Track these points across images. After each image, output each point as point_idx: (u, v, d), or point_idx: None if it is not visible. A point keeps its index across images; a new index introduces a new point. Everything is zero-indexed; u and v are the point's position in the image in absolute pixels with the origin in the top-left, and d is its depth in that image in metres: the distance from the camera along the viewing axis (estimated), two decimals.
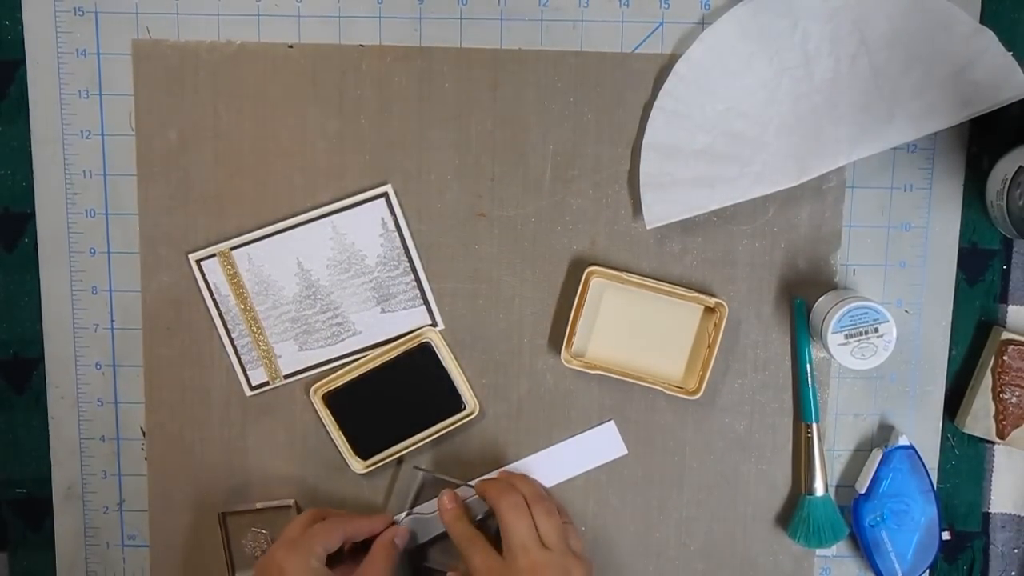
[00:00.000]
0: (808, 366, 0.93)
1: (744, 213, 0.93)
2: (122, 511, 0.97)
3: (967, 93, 0.88)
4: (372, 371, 0.93)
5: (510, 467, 0.95)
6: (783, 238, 0.93)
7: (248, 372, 0.94)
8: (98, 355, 0.95)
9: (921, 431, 0.95)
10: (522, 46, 0.92)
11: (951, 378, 0.95)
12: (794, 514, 0.95)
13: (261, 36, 0.92)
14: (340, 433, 0.94)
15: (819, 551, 0.96)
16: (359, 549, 0.91)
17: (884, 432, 0.95)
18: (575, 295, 0.92)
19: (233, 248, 0.93)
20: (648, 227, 0.91)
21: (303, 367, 0.94)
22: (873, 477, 0.93)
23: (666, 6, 0.91)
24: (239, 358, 0.94)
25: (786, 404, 0.95)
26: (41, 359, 0.95)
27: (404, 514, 0.94)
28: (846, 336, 0.88)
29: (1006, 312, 0.94)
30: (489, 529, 0.90)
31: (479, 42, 0.92)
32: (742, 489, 0.95)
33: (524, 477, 0.93)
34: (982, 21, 0.90)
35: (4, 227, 0.94)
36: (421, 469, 0.95)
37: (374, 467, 0.94)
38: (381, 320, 0.94)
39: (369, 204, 0.92)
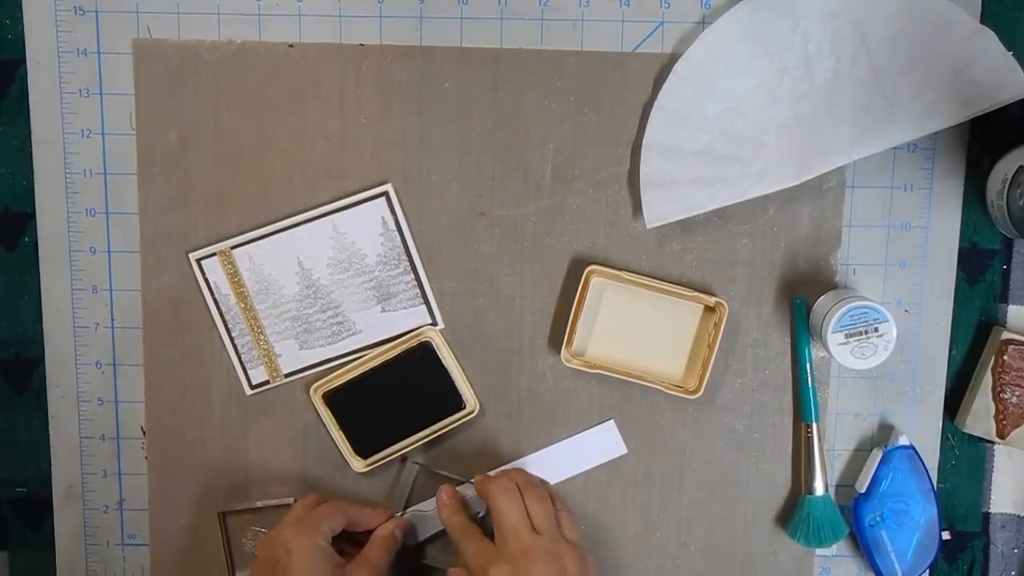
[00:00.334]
0: (808, 366, 0.93)
1: (744, 213, 0.93)
2: (122, 510, 0.97)
3: (967, 93, 0.88)
4: (372, 370, 0.93)
5: (509, 465, 0.95)
6: (783, 238, 0.93)
7: (248, 371, 0.94)
8: (98, 354, 0.95)
9: (921, 431, 0.95)
10: (522, 46, 0.92)
11: (951, 378, 0.95)
12: (794, 514, 0.95)
13: (262, 35, 0.92)
14: (340, 432, 0.94)
15: (819, 551, 0.96)
16: (357, 543, 0.91)
17: (884, 432, 0.95)
18: (575, 294, 0.92)
19: (233, 247, 0.93)
20: (648, 227, 0.91)
21: (303, 366, 0.94)
22: (873, 477, 0.93)
23: (666, 6, 0.91)
24: (239, 357, 0.94)
25: (786, 404, 0.95)
26: (41, 358, 0.95)
27: (400, 513, 0.94)
28: (846, 336, 0.88)
29: (1006, 312, 0.94)
30: (487, 526, 0.90)
31: (480, 42, 0.92)
32: (742, 489, 0.96)
33: (518, 468, 0.94)
34: (982, 21, 0.90)
35: (4, 226, 0.94)
36: (418, 464, 0.95)
37: (374, 466, 0.94)
38: (381, 319, 0.94)
39: (369, 203, 0.92)
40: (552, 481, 0.95)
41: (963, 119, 0.89)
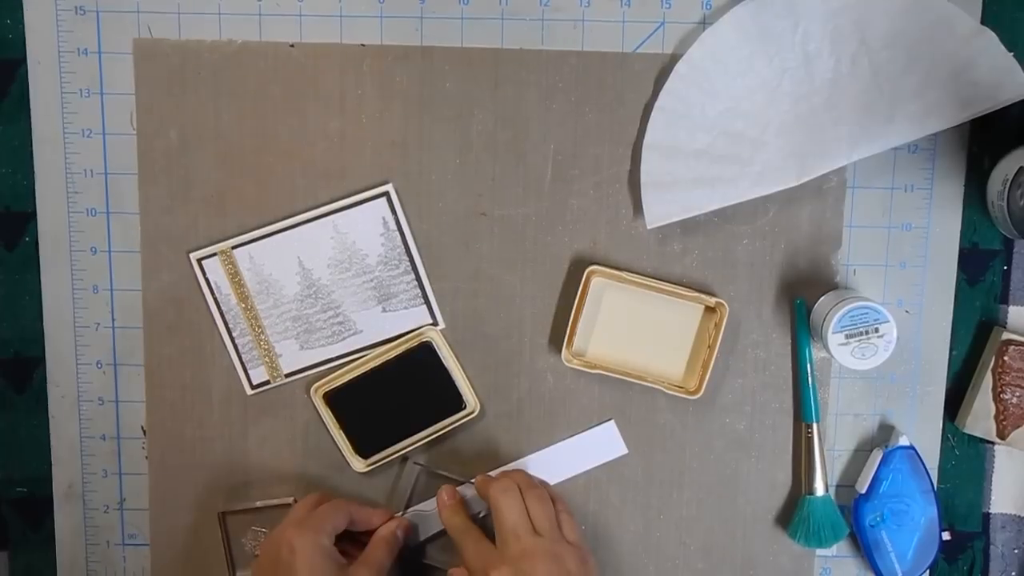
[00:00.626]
0: (808, 366, 0.93)
1: (744, 213, 0.93)
2: (122, 510, 0.97)
3: (968, 93, 0.88)
4: (373, 370, 0.93)
5: (510, 466, 0.95)
6: (784, 238, 0.93)
7: (249, 371, 0.94)
8: (99, 354, 0.95)
9: (921, 431, 0.95)
10: (523, 46, 0.92)
11: (951, 378, 0.95)
12: (794, 514, 0.95)
13: (262, 35, 0.92)
14: (341, 432, 0.94)
15: (819, 551, 0.96)
16: (358, 542, 0.91)
17: (884, 432, 0.95)
18: (576, 294, 0.92)
19: (234, 247, 0.93)
20: (649, 227, 0.91)
21: (304, 366, 0.94)
22: (873, 477, 0.93)
23: (667, 6, 0.91)
24: (240, 357, 0.94)
25: (786, 404, 0.95)
26: (42, 358, 0.95)
27: (401, 513, 0.94)
28: (847, 336, 0.88)
29: (1007, 312, 0.94)
30: (488, 526, 0.90)
31: (480, 42, 0.92)
32: (742, 489, 0.96)
33: (519, 469, 0.94)
34: (982, 21, 0.90)
35: (5, 226, 0.94)
36: (419, 464, 0.95)
37: (375, 466, 0.94)
38: (382, 319, 0.94)
39: (370, 203, 0.92)
40: (552, 481, 0.95)
41: (963, 119, 0.89)
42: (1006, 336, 0.92)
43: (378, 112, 0.92)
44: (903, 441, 0.93)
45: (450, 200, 0.93)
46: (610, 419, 0.95)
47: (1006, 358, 0.92)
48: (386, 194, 0.92)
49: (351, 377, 0.93)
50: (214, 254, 0.93)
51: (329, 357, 0.94)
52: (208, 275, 0.93)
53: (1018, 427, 0.93)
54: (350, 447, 0.94)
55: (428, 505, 0.94)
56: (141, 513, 0.96)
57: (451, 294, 0.94)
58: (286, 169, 0.92)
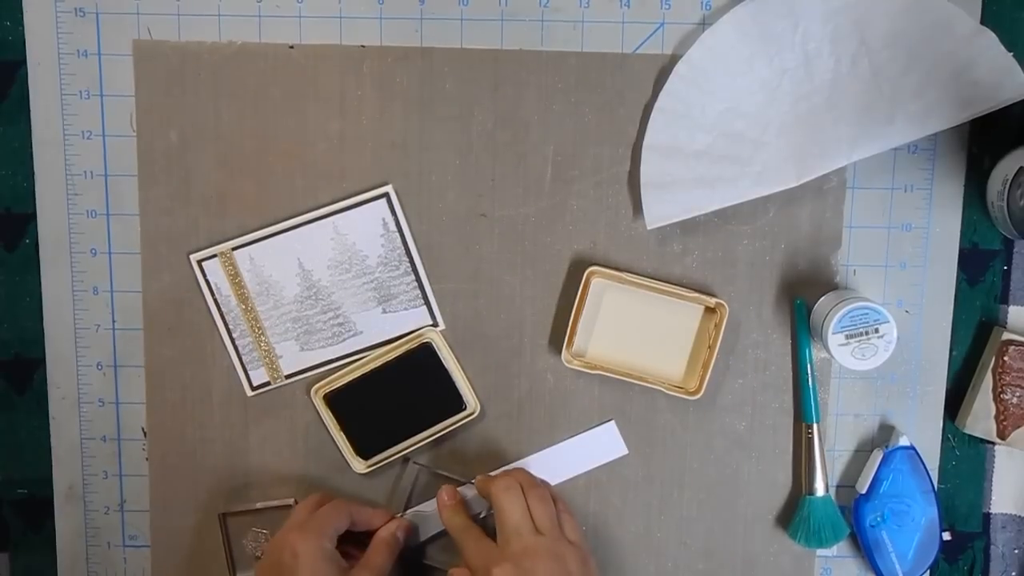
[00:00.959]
0: (808, 366, 0.93)
1: (744, 213, 0.93)
2: (123, 511, 0.97)
3: (968, 93, 0.88)
4: (373, 371, 0.93)
5: (510, 466, 0.95)
6: (783, 238, 0.93)
7: (249, 372, 0.94)
8: (99, 355, 0.95)
9: (921, 431, 0.95)
10: (523, 47, 0.92)
11: (951, 378, 0.95)
12: (795, 514, 0.95)
13: (262, 36, 0.92)
14: (341, 433, 0.94)
15: (819, 551, 0.96)
16: (358, 543, 0.91)
17: (885, 432, 0.95)
18: (575, 295, 0.92)
19: (234, 248, 0.93)
20: (648, 227, 0.91)
21: (304, 367, 0.94)
22: (874, 477, 0.93)
23: (667, 7, 0.91)
24: (240, 358, 0.94)
25: (786, 404, 0.95)
26: (42, 359, 0.95)
27: (401, 513, 0.94)
28: (847, 336, 0.88)
29: (1007, 312, 0.94)
30: (488, 526, 0.90)
31: (480, 43, 0.92)
32: (742, 489, 0.96)
33: (520, 468, 0.94)
34: (982, 21, 0.90)
35: (5, 228, 0.94)
36: (419, 464, 0.95)
37: (375, 467, 0.94)
38: (382, 320, 0.94)
39: (370, 204, 0.92)
40: (553, 482, 0.95)
41: (963, 120, 0.89)
42: (1006, 336, 0.92)
43: (378, 113, 0.92)
44: (903, 441, 0.93)
45: (450, 201, 0.93)
46: (610, 420, 0.95)
47: (1006, 358, 0.92)
48: (386, 195, 0.92)
49: (351, 378, 0.93)
50: (214, 255, 0.93)
51: (329, 358, 0.94)
52: (208, 276, 0.93)
53: (1018, 427, 0.93)
54: (350, 448, 0.94)
55: (428, 506, 0.94)
56: (142, 514, 0.97)
57: (451, 295, 0.94)
58: (286, 170, 0.92)
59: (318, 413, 0.94)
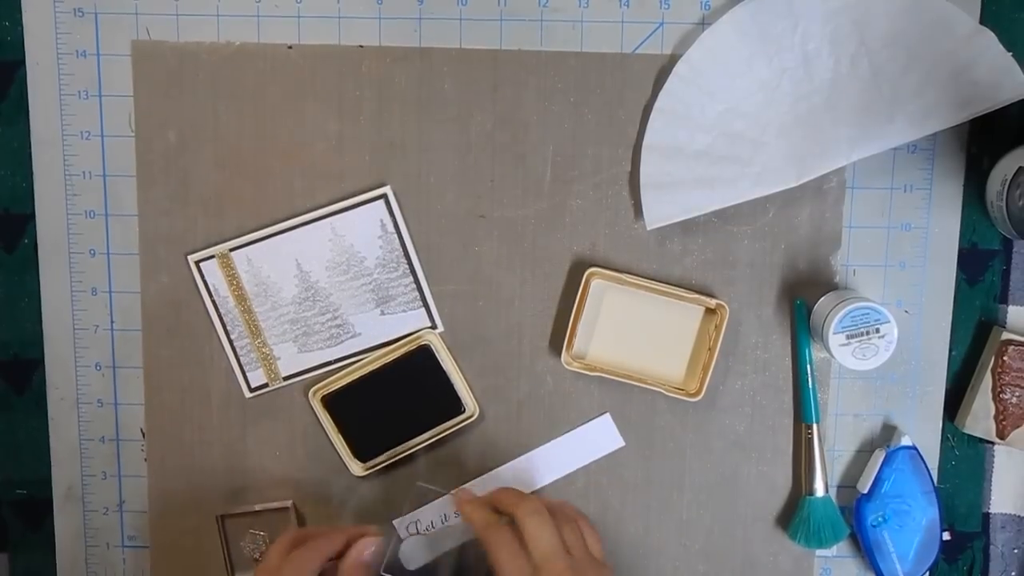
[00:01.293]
0: (808, 367, 0.93)
1: (744, 214, 0.93)
2: (122, 512, 0.97)
3: (967, 93, 0.88)
4: (371, 373, 0.93)
5: (508, 465, 0.95)
6: (783, 239, 0.93)
7: (247, 374, 0.94)
8: (98, 356, 0.95)
9: (921, 431, 0.95)
10: (522, 47, 0.92)
11: (951, 378, 0.95)
12: (794, 515, 0.95)
13: (260, 37, 0.92)
14: (339, 435, 0.94)
15: (819, 552, 0.96)
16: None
17: (886, 433, 0.95)
18: (575, 297, 0.92)
19: (232, 249, 0.93)
20: (648, 228, 0.91)
21: (302, 369, 0.94)
22: (876, 477, 0.93)
23: (666, 7, 0.91)
24: (238, 360, 0.94)
25: (786, 405, 0.95)
26: (41, 360, 0.95)
27: (405, 527, 0.94)
28: (847, 337, 0.88)
29: (1006, 312, 0.94)
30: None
31: (479, 43, 0.92)
32: (742, 490, 0.95)
33: (535, 497, 0.89)
34: (982, 21, 0.90)
35: (4, 228, 0.94)
36: (428, 487, 0.94)
37: (373, 469, 0.94)
38: (380, 322, 0.94)
39: (368, 205, 0.92)
40: (552, 478, 0.95)
41: (963, 119, 0.89)
42: (1005, 336, 0.92)
43: (376, 114, 0.92)
44: (906, 441, 0.93)
45: (449, 202, 0.93)
46: (606, 412, 0.95)
47: (1005, 358, 0.92)
48: (384, 196, 0.92)
49: (349, 380, 0.93)
50: (212, 256, 0.93)
51: (327, 360, 0.94)
52: (206, 278, 0.93)
53: (1018, 427, 0.93)
54: (348, 450, 0.94)
55: (426, 516, 0.94)
56: (141, 515, 0.97)
57: (450, 297, 0.94)
58: (284, 171, 0.92)
59: (316, 415, 0.94)
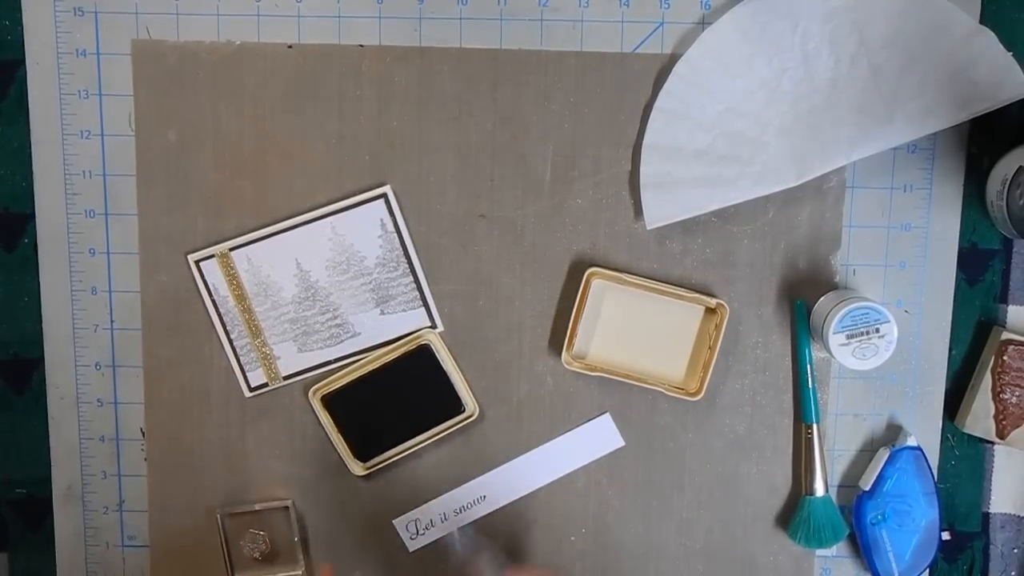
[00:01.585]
0: (808, 367, 0.93)
1: (744, 214, 0.93)
2: (122, 511, 0.97)
3: (967, 93, 0.88)
4: (371, 373, 0.93)
5: (508, 465, 0.95)
6: (783, 239, 0.93)
7: (247, 373, 0.94)
8: (98, 355, 0.95)
9: (921, 431, 0.95)
10: (522, 46, 0.92)
11: (951, 378, 0.95)
12: (794, 514, 0.95)
13: (261, 36, 0.92)
14: (339, 435, 0.94)
15: (819, 551, 0.96)
16: None
17: (889, 432, 0.95)
18: (575, 296, 0.92)
19: (232, 249, 0.93)
20: (648, 228, 0.91)
21: (302, 368, 0.94)
22: (878, 476, 0.93)
23: (666, 6, 0.91)
24: (238, 359, 0.94)
25: (786, 405, 0.95)
26: (41, 359, 0.95)
27: (405, 526, 0.94)
28: (847, 336, 0.88)
29: (1006, 312, 0.94)
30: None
31: (479, 42, 0.92)
32: (742, 490, 0.95)
33: None
34: (982, 21, 0.90)
35: (4, 227, 0.94)
36: (466, 534, 0.94)
37: (373, 469, 0.94)
38: (380, 322, 0.93)
39: (368, 205, 0.92)
40: (552, 478, 0.95)
41: (963, 119, 0.89)
42: (1005, 336, 0.92)
43: (376, 113, 0.92)
44: (911, 441, 0.93)
45: (449, 202, 0.93)
46: (606, 412, 0.95)
47: (1005, 358, 0.92)
48: (384, 196, 0.92)
49: (349, 380, 0.93)
50: (212, 256, 0.93)
51: (327, 360, 0.94)
52: (206, 277, 0.93)
53: (1018, 427, 0.93)
54: (348, 450, 0.94)
55: (430, 516, 0.94)
56: (140, 515, 0.97)
57: (450, 296, 0.94)
58: (284, 170, 0.92)
59: (316, 415, 0.94)
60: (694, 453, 0.95)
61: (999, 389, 0.92)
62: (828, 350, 0.88)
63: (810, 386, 0.93)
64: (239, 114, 0.92)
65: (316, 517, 0.96)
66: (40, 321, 0.94)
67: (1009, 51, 0.88)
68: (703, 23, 0.91)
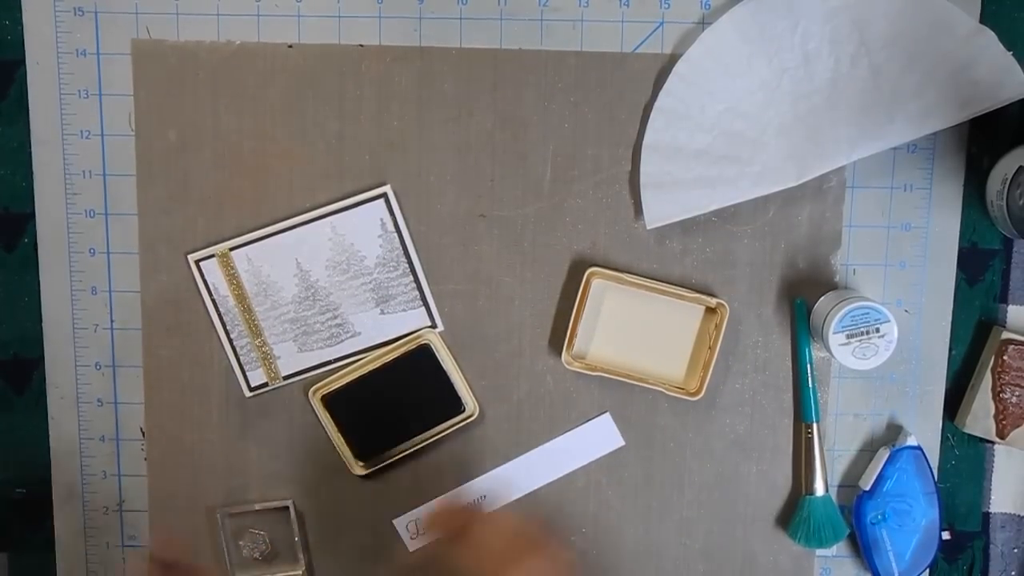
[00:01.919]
0: (808, 366, 0.93)
1: (744, 213, 0.93)
2: (122, 511, 0.97)
3: (967, 93, 0.88)
4: (371, 373, 0.93)
5: (508, 465, 0.95)
6: (783, 238, 0.93)
7: (247, 373, 0.94)
8: (98, 355, 0.95)
9: (921, 431, 0.95)
10: (522, 46, 0.92)
11: (951, 378, 0.95)
12: (794, 514, 0.95)
13: (261, 36, 0.92)
14: (339, 435, 0.94)
15: (819, 551, 0.96)
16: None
17: (889, 432, 0.95)
18: (575, 296, 0.92)
19: (232, 249, 0.92)
20: (648, 227, 0.91)
21: (302, 368, 0.94)
22: (879, 475, 0.93)
23: (666, 6, 0.91)
24: (238, 359, 0.94)
25: (786, 404, 0.95)
26: (41, 359, 0.95)
27: (405, 526, 0.94)
28: (847, 336, 0.88)
29: (1006, 312, 0.94)
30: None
31: (479, 42, 0.91)
32: (742, 489, 0.95)
33: None
34: (982, 21, 0.90)
35: (4, 227, 0.94)
36: None
37: (373, 469, 0.94)
38: (380, 321, 0.93)
39: (368, 205, 0.92)
40: (552, 478, 0.95)
41: (963, 119, 0.89)
42: (1005, 335, 0.92)
43: (376, 113, 0.92)
44: (911, 441, 0.93)
45: (449, 201, 0.93)
46: (606, 411, 0.95)
47: (1005, 357, 0.92)
48: (384, 195, 0.92)
49: (349, 380, 0.93)
50: (212, 256, 0.93)
51: (327, 359, 0.94)
52: (206, 277, 0.93)
53: (1018, 426, 0.93)
54: (348, 450, 0.94)
55: None
56: (140, 515, 0.97)
57: (450, 296, 0.93)
58: (284, 170, 0.92)
59: (316, 414, 0.94)
60: (694, 453, 0.95)
61: (999, 389, 0.92)
62: (828, 350, 0.88)
63: (810, 386, 0.93)
64: (239, 114, 0.92)
65: (316, 517, 0.96)
66: (40, 321, 0.94)
67: (1009, 51, 0.88)
68: (703, 23, 0.91)
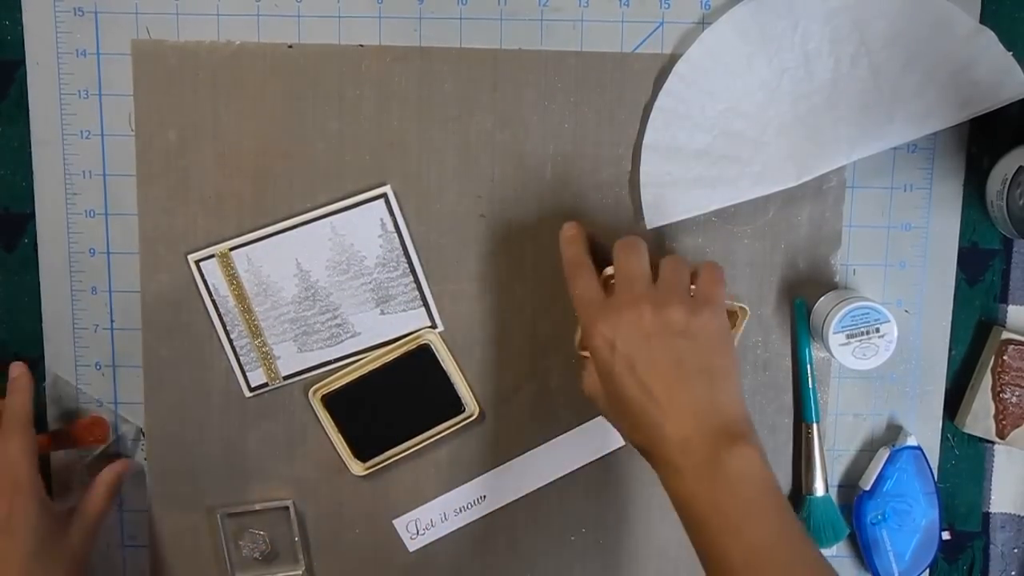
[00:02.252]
0: (808, 366, 0.93)
1: (744, 213, 0.93)
2: (122, 511, 0.97)
3: (967, 93, 0.88)
4: (371, 373, 0.93)
5: (508, 465, 0.95)
6: (783, 238, 0.93)
7: (247, 373, 0.94)
8: (98, 355, 0.95)
9: (921, 431, 0.95)
10: (522, 46, 0.92)
11: (951, 378, 0.95)
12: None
13: (261, 36, 0.92)
14: (339, 435, 0.94)
15: None
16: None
17: (889, 432, 0.95)
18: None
19: (232, 249, 0.92)
20: (648, 227, 0.91)
21: (302, 368, 0.94)
22: (878, 475, 0.93)
23: (666, 6, 0.91)
24: (238, 359, 0.94)
25: (786, 404, 0.95)
26: (41, 359, 0.95)
27: (405, 526, 0.94)
28: (847, 336, 0.88)
29: (1006, 312, 0.94)
30: None
31: (479, 42, 0.91)
32: None
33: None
34: (982, 21, 0.90)
35: (4, 227, 0.94)
36: None
37: (373, 469, 0.94)
38: (380, 322, 0.93)
39: (368, 205, 0.92)
40: (552, 478, 0.95)
41: (963, 119, 0.89)
42: (1005, 336, 0.92)
43: (376, 113, 0.92)
44: (911, 441, 0.93)
45: (449, 201, 0.93)
46: None
47: (1005, 357, 0.92)
48: (384, 195, 0.92)
49: (349, 380, 0.93)
50: (212, 256, 0.93)
51: (327, 359, 0.94)
52: (206, 277, 0.93)
53: (1018, 426, 0.93)
54: (348, 450, 0.94)
55: (431, 515, 0.94)
56: (140, 515, 0.96)
57: (450, 296, 0.93)
58: (284, 170, 0.92)
59: (316, 415, 0.94)
60: None
61: (999, 389, 0.92)
62: (828, 350, 0.88)
63: (810, 386, 0.93)
64: (239, 114, 0.92)
65: (316, 517, 0.96)
66: (40, 321, 0.94)
67: (1009, 51, 0.88)
68: (703, 23, 0.91)
